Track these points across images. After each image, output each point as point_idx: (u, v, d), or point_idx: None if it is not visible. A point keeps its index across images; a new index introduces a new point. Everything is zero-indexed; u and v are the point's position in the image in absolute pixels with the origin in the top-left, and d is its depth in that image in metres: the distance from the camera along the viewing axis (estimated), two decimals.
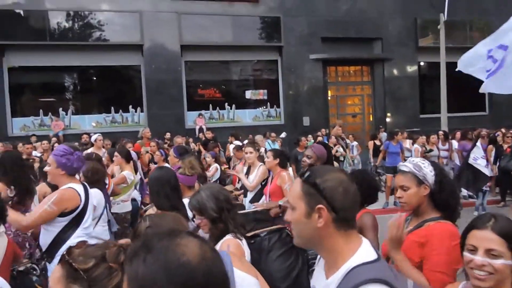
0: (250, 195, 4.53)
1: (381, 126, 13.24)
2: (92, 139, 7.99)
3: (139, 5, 12.01)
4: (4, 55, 11.54)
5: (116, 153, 4.99)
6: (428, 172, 1.90)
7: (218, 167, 6.93)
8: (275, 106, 13.64)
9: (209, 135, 10.27)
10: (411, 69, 14.51)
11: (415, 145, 9.16)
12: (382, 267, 1.12)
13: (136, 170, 4.99)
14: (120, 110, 12.48)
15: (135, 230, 1.58)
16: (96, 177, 3.68)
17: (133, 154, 5.50)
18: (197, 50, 12.64)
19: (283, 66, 13.31)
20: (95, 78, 12.83)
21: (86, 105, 12.52)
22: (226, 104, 13.28)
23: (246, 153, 4.58)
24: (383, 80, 14.22)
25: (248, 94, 13.60)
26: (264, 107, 13.63)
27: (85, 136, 10.04)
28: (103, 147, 7.80)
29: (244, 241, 1.97)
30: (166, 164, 6.66)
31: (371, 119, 14.67)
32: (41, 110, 11.93)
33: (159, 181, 2.61)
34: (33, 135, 10.64)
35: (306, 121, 13.20)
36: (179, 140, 9.40)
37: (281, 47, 13.18)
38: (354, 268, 1.10)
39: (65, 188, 2.64)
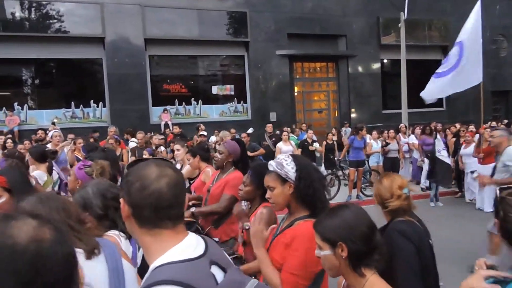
0: None
1: (346, 122, 13.48)
2: (49, 135, 7.68)
3: None
4: None
5: (28, 153, 4.65)
6: (290, 169, 1.83)
7: None
8: (242, 101, 13.60)
9: (176, 130, 10.11)
10: (374, 66, 14.84)
11: (370, 140, 9.37)
12: (188, 267, 1.04)
13: (50, 171, 4.57)
14: (81, 105, 12.03)
15: None
16: None
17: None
18: (162, 44, 12.40)
19: (250, 62, 13.27)
20: (54, 72, 12.29)
21: (44, 99, 11.93)
22: (193, 99, 13.11)
23: (174, 150, 4.39)
24: (348, 77, 14.43)
25: (215, 90, 13.48)
26: (231, 102, 13.57)
27: (40, 131, 9.50)
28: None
29: (127, 240, 1.90)
30: None
31: (336, 114, 14.84)
32: None
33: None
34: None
35: (273, 116, 13.20)
36: (140, 136, 9.11)
37: (248, 43, 13.15)
38: (156, 268, 1.05)
39: None
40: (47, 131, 8.99)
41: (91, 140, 8.67)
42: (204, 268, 1.07)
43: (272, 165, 1.88)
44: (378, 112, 14.67)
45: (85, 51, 11.90)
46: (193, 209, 3.18)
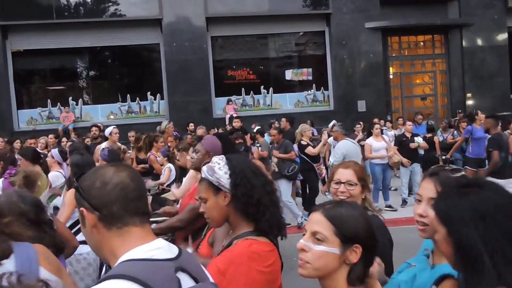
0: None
1: (459, 111, 11.86)
2: (107, 132, 7.36)
3: None
4: (8, 38, 11.17)
5: (19, 156, 4.82)
6: (222, 174, 1.57)
7: (172, 167, 6.28)
8: (322, 88, 12.66)
9: (237, 123, 9.19)
10: (499, 37, 12.90)
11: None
12: (149, 266, 1.06)
13: (45, 172, 4.55)
14: (137, 98, 11.89)
15: None
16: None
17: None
18: (227, 23, 11.76)
19: (332, 39, 12.18)
20: (108, 61, 12.68)
21: (99, 93, 12.09)
22: (262, 87, 12.36)
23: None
24: (462, 52, 12.84)
25: (289, 75, 12.67)
26: (309, 90, 12.67)
27: (94, 128, 9.13)
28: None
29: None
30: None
31: (446, 101, 13.32)
32: (49, 100, 11.53)
33: None
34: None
35: (361, 106, 12.07)
36: (201, 131, 8.73)
37: (330, 15, 12.07)
38: (117, 264, 1.11)
39: None
40: (101, 127, 8.91)
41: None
42: (168, 271, 1.11)
43: (203, 170, 1.66)
44: (505, 97, 12.75)
45: (141, 36, 11.83)
46: (153, 226, 3.00)
